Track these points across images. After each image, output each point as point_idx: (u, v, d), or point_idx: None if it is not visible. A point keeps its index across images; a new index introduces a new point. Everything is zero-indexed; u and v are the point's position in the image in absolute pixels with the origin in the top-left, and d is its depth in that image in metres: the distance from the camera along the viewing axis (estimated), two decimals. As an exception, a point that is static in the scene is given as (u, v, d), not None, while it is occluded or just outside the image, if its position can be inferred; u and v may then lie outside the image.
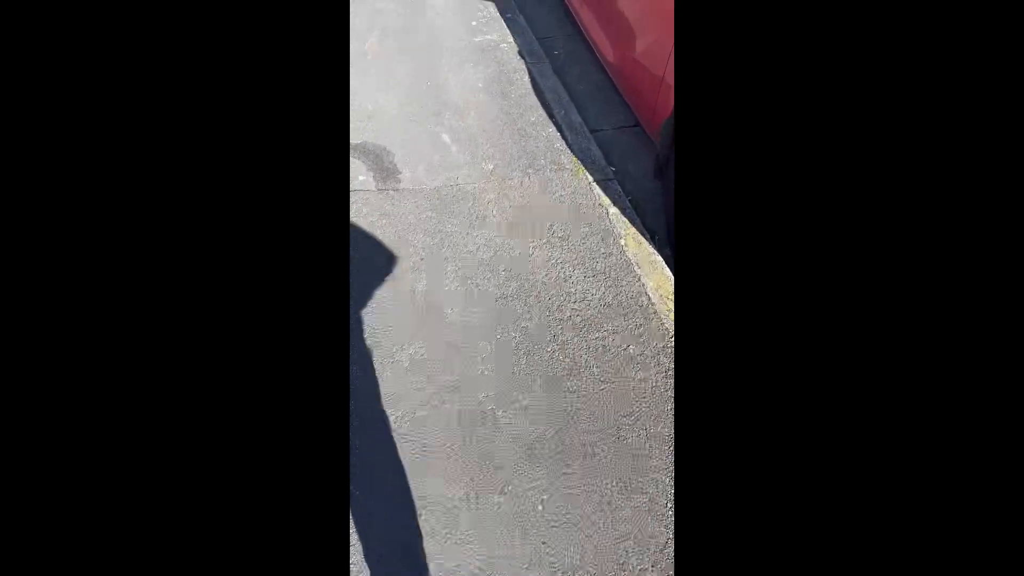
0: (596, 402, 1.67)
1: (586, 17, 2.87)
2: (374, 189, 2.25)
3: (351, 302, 1.86)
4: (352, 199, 2.19)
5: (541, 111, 2.70)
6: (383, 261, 1.98)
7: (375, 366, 1.72)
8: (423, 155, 2.41)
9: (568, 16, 3.39)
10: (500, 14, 3.33)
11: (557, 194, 2.30)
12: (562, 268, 2.02)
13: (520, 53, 3.05)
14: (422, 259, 2.01)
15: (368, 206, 2.17)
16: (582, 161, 2.44)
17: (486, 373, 1.71)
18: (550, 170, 2.39)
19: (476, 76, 2.87)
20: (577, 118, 2.67)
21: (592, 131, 2.67)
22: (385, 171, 2.32)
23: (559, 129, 2.60)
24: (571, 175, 2.37)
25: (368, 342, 1.76)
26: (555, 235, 2.13)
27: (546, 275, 1.99)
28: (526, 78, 2.89)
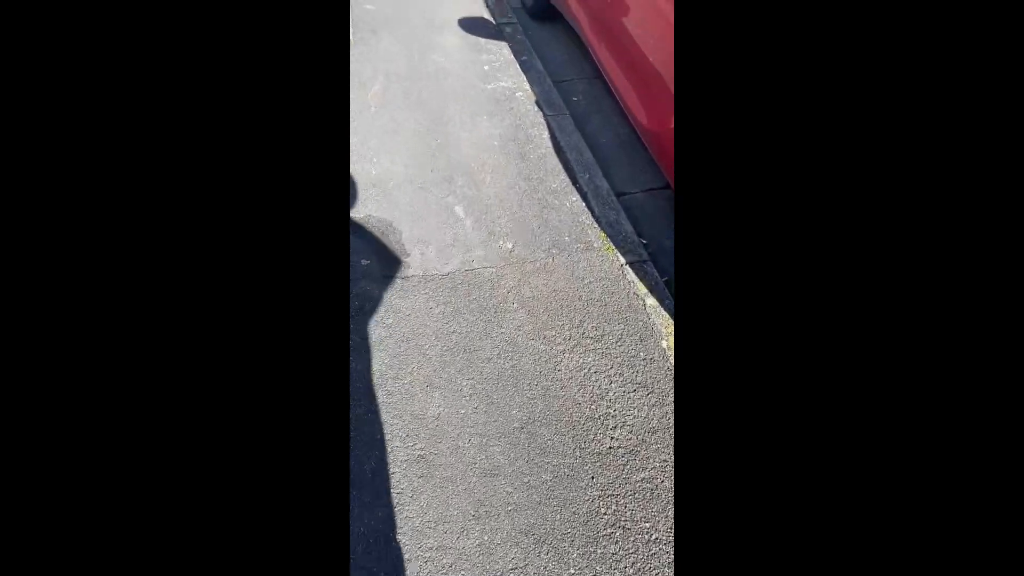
0: (649, 569, 1.38)
1: (605, 60, 2.58)
2: (379, 277, 1.96)
3: (352, 441, 1.57)
4: (354, 290, 1.90)
5: (563, 175, 2.41)
6: (390, 377, 1.69)
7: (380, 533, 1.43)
8: (434, 232, 2.12)
9: (587, 56, 3.11)
10: (514, 56, 3.04)
11: (586, 280, 2.01)
12: (597, 380, 1.73)
13: (538, 103, 2.76)
14: (435, 371, 1.72)
15: (373, 301, 1.88)
16: (611, 237, 2.16)
17: (514, 535, 1.42)
18: (576, 250, 2.11)
19: (491, 131, 2.58)
20: (603, 183, 2.38)
21: (619, 195, 2.38)
22: (392, 254, 2.03)
23: (584, 197, 2.31)
24: (600, 255, 2.09)
25: (378, 510, 1.48)
26: (586, 335, 1.84)
27: (579, 391, 1.70)
28: (545, 133, 2.60)
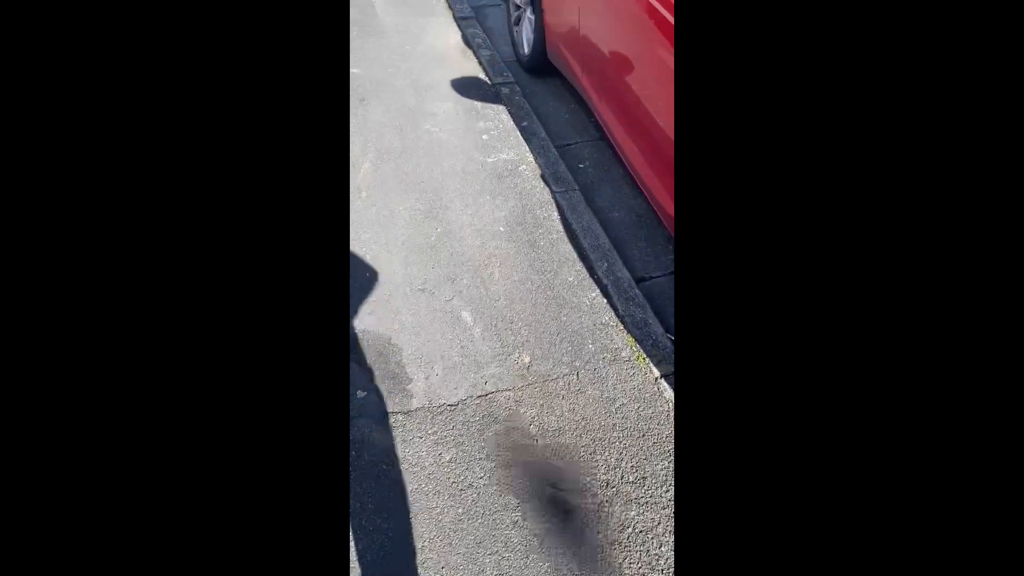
0: None
1: (611, 123, 2.32)
2: (378, 413, 1.66)
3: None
4: (351, 434, 1.61)
5: (579, 264, 2.14)
6: (396, 559, 1.39)
7: None
8: (439, 346, 1.84)
9: (590, 112, 2.86)
10: (514, 123, 2.78)
11: (617, 402, 1.73)
12: (645, 541, 1.44)
13: (543, 178, 2.50)
14: (449, 545, 1.42)
15: (371, 449, 1.59)
16: (640, 342, 1.88)
17: None
18: (603, 361, 1.83)
19: (495, 214, 2.31)
20: (624, 273, 2.11)
21: (640, 280, 2.11)
22: (392, 380, 1.74)
23: (604, 292, 2.04)
24: (630, 367, 1.81)
25: None
26: (625, 479, 1.55)
27: (626, 558, 1.41)
28: (554, 214, 2.33)
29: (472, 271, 2.08)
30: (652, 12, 1.82)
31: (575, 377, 1.78)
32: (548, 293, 2.03)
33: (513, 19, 3.29)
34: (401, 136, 2.66)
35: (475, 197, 2.38)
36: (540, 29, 2.89)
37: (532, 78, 3.18)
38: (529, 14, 3.08)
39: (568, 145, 2.77)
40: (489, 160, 2.57)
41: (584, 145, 2.79)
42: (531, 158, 2.59)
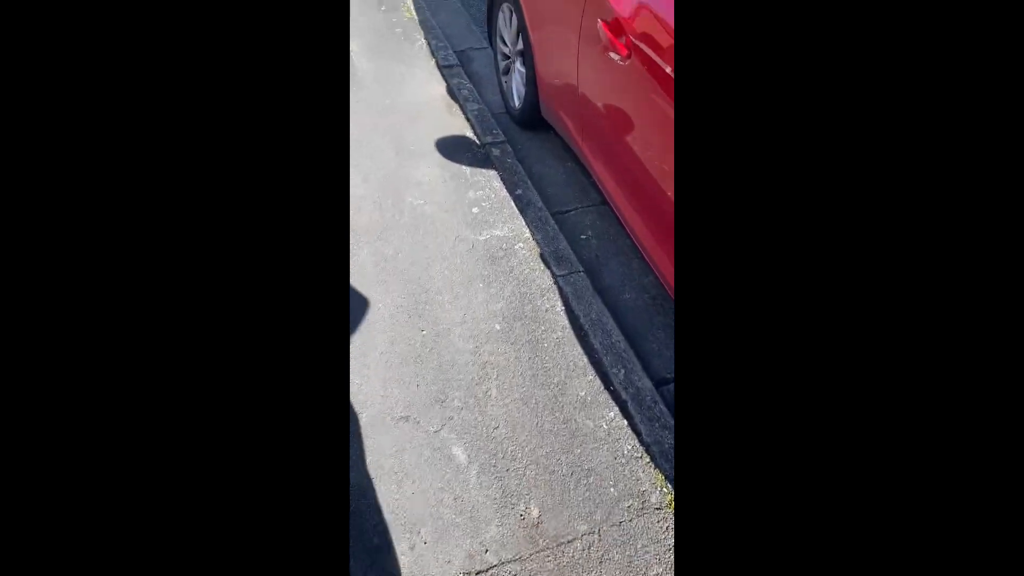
0: None
1: (615, 192, 1.99)
2: (352, 604, 1.31)
3: None
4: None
5: (591, 372, 1.80)
6: None
7: None
8: (426, 500, 1.47)
9: (590, 176, 2.54)
10: (508, 191, 2.45)
11: (652, 573, 1.38)
12: None
13: (543, 257, 2.16)
14: None
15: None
16: (670, 480, 1.54)
17: None
18: (629, 511, 1.48)
19: (490, 307, 1.97)
20: (644, 382, 1.77)
21: (661, 383, 1.78)
22: (368, 552, 1.39)
23: (623, 409, 1.70)
24: (662, 519, 1.46)
25: None
26: None
27: None
28: (558, 303, 2.00)
29: (465, 388, 1.73)
30: (654, 70, 1.50)
31: (596, 538, 1.43)
32: (557, 416, 1.68)
33: (502, 68, 2.97)
34: (381, 211, 2.32)
35: (466, 286, 2.04)
36: (532, 83, 2.57)
37: (524, 132, 2.86)
38: (519, 66, 2.76)
39: (567, 212, 2.44)
40: (481, 238, 2.23)
41: (585, 212, 2.46)
42: (528, 233, 2.26)
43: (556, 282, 2.07)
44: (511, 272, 2.10)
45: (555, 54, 2.28)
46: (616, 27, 1.75)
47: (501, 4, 2.77)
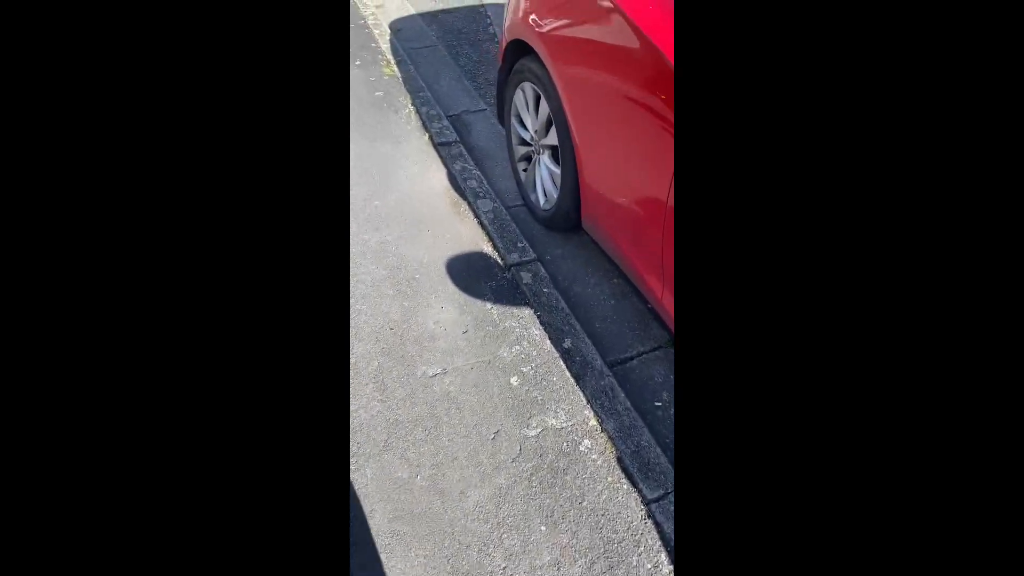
0: None
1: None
2: None
3: None
4: None
5: None
6: None
7: None
8: None
9: (645, 301, 1.90)
10: (552, 342, 1.77)
11: None
12: None
13: (623, 465, 1.51)
14: None
15: None
16: None
17: None
18: None
19: (559, 568, 1.32)
20: None
21: None
22: None
23: None
24: None
25: None
26: None
27: None
28: (662, 556, 1.36)
29: None
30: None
31: None
32: None
33: (518, 155, 2.30)
34: (385, 397, 1.63)
35: (519, 530, 1.38)
36: (573, 191, 1.90)
37: (550, 235, 2.20)
38: (548, 161, 2.08)
39: (628, 361, 1.79)
40: (531, 434, 1.57)
41: (652, 360, 1.82)
42: (593, 420, 1.61)
43: (649, 511, 1.42)
44: (582, 500, 1.45)
45: (621, 166, 1.61)
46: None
47: (520, 83, 2.08)
